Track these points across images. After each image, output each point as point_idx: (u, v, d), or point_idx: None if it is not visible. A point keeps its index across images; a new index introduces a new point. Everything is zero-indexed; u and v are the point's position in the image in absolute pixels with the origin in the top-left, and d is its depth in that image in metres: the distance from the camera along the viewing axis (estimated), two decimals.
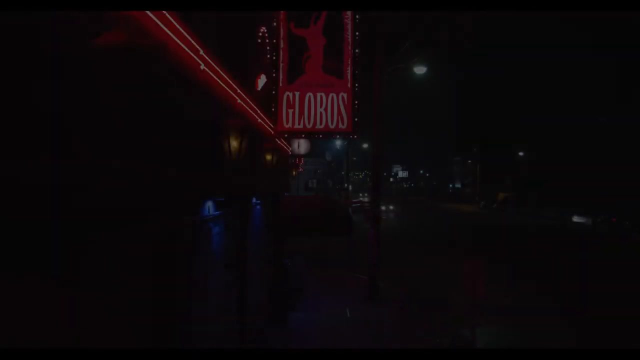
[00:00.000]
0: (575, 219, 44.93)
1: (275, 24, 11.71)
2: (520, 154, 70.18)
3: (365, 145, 54.32)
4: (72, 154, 2.90)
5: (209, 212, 5.99)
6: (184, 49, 4.96)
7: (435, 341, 11.22)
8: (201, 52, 5.42)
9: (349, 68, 12.10)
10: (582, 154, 52.19)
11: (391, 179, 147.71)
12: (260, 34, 11.00)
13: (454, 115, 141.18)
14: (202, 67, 5.56)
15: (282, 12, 11.72)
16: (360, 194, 60.24)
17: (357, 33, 12.12)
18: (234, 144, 5.91)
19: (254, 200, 9.76)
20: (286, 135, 12.55)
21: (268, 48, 11.83)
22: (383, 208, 47.90)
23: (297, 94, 11.95)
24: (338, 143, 59.79)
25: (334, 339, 11.95)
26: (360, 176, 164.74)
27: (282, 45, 11.93)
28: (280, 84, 11.95)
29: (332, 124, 12.01)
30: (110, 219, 3.45)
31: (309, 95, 12.01)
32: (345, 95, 12.03)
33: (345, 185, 50.18)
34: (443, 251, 26.41)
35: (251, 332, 10.01)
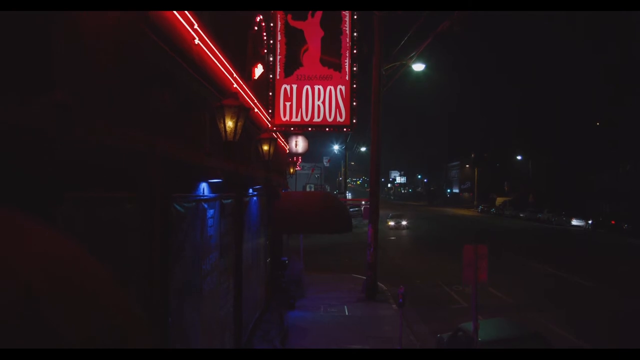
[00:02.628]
0: (574, 222, 45.03)
1: (272, 16, 11.57)
2: (519, 158, 70.17)
3: (363, 149, 54.09)
4: (60, 103, 2.73)
5: (203, 192, 5.81)
6: (178, 18, 4.80)
7: (435, 337, 11.00)
8: (195, 25, 5.27)
9: (347, 60, 11.95)
10: (580, 157, 52.18)
11: (389, 185, 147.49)
12: (258, 22, 10.86)
13: (452, 120, 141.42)
14: (197, 41, 5.41)
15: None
16: (363, 202, 59.48)
17: (355, 26, 12.00)
18: (229, 123, 5.73)
19: (250, 191, 9.56)
20: (284, 129, 12.38)
21: (265, 37, 11.69)
22: (392, 223, 43.87)
23: (294, 86, 11.79)
24: (336, 148, 59.65)
25: (333, 337, 11.72)
26: (358, 182, 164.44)
27: (279, 38, 11.78)
28: (278, 77, 11.79)
29: (330, 117, 11.85)
30: (98, 179, 3.27)
31: (307, 88, 11.85)
32: (343, 88, 11.88)
33: (344, 191, 49.72)
34: (444, 252, 26.20)
35: (247, 329, 9.78)
